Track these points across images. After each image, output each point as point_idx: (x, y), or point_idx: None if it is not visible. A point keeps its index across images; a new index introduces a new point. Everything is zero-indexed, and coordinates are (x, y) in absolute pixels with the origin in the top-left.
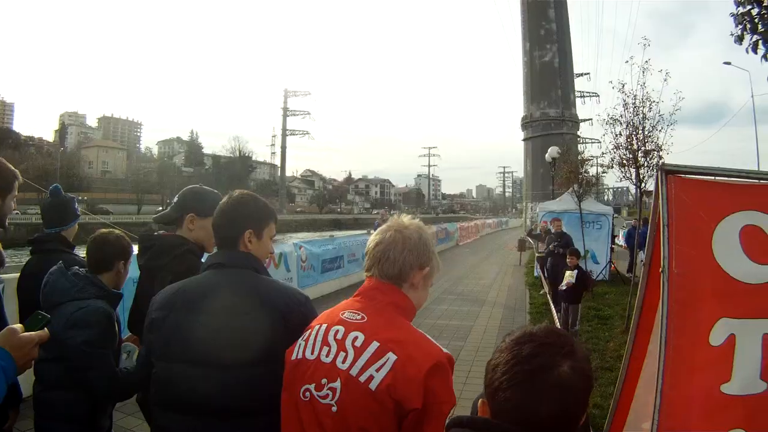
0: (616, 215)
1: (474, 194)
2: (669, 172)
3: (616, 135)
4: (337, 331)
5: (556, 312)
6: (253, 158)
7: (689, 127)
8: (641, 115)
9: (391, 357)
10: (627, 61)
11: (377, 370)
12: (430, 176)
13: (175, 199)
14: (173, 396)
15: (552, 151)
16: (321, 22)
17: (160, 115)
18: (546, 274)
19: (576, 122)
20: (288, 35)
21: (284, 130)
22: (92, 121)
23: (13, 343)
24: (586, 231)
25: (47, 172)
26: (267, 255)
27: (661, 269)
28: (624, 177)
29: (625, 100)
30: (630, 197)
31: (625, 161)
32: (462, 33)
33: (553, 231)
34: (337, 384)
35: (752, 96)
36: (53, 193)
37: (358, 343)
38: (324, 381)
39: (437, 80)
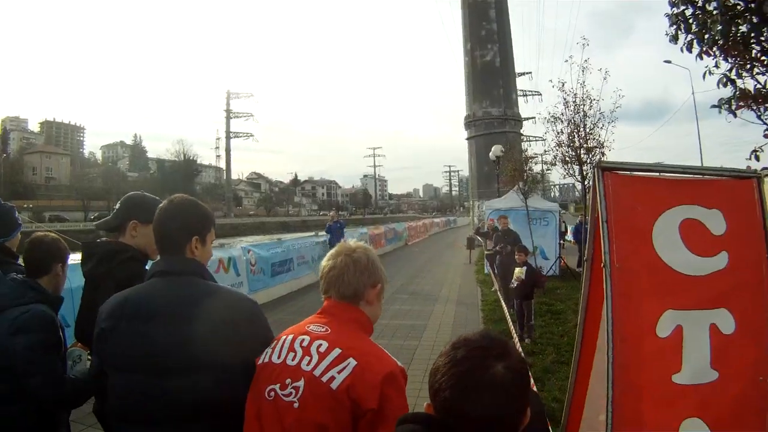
0: (563, 211)
1: (421, 193)
2: (606, 169)
3: (558, 133)
4: (303, 339)
5: (508, 308)
6: (198, 161)
7: (632, 125)
8: (582, 113)
9: (352, 362)
10: (566, 61)
11: (338, 372)
12: (377, 176)
13: (117, 206)
14: (125, 405)
15: (495, 150)
16: (262, 22)
17: (104, 118)
18: (496, 271)
19: (519, 120)
20: (229, 35)
21: (228, 132)
22: (34, 126)
23: None
24: (534, 228)
25: None
26: (208, 260)
27: (602, 264)
28: (567, 174)
29: (565, 99)
30: (576, 193)
31: (567, 158)
32: (404, 32)
33: (500, 229)
34: (301, 383)
35: (693, 93)
36: None
37: (322, 349)
38: (288, 381)
39: (380, 79)
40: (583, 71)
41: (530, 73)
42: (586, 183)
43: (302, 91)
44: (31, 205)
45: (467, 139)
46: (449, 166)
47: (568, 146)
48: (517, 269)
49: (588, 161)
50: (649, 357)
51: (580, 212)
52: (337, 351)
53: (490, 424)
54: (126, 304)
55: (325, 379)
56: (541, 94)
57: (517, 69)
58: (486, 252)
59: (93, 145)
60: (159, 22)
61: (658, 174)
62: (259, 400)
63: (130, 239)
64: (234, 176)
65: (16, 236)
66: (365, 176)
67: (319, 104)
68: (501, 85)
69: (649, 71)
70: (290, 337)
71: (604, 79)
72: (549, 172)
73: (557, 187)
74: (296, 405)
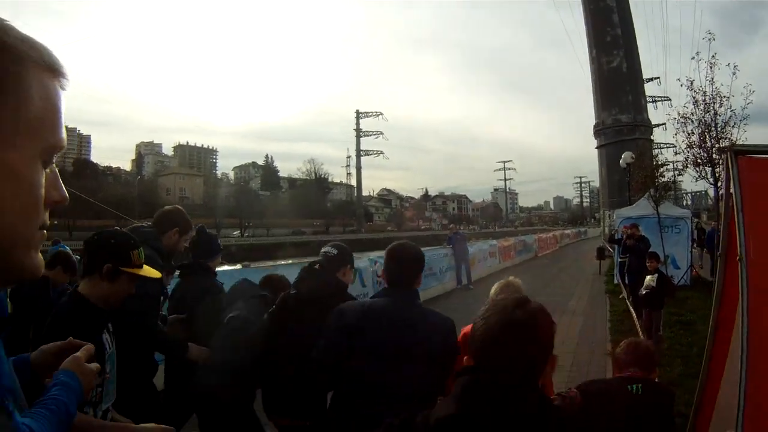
0: (696, 220)
1: (552, 206)
2: (739, 153)
3: (689, 134)
4: None
5: (637, 317)
6: (329, 180)
7: (765, 126)
8: (712, 112)
9: None
10: (693, 58)
11: None
12: (507, 190)
13: (336, 252)
14: (367, 387)
15: (626, 157)
16: (388, 42)
17: (236, 141)
18: (626, 281)
19: (649, 127)
20: (358, 56)
21: (358, 150)
22: (168, 150)
23: (83, 370)
24: (666, 236)
25: (125, 200)
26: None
27: (738, 258)
28: (700, 176)
29: (694, 98)
30: (709, 201)
31: (699, 160)
32: (530, 43)
33: (629, 237)
34: None
35: None
36: (199, 231)
37: None
38: None
39: (509, 92)
40: (711, 68)
41: (658, 78)
42: (719, 186)
43: (431, 108)
44: None
45: (597, 147)
46: (579, 177)
47: (700, 147)
48: (648, 277)
49: (721, 162)
50: None
51: (713, 220)
52: None
53: (511, 362)
54: (370, 311)
55: None
56: (670, 99)
57: (645, 74)
58: (620, 259)
59: (225, 167)
60: (287, 47)
61: None
62: None
63: (342, 276)
64: (365, 193)
65: (216, 259)
66: (495, 190)
67: (448, 120)
68: (629, 91)
69: None
70: None
71: (734, 74)
72: (681, 179)
73: (690, 195)
74: None
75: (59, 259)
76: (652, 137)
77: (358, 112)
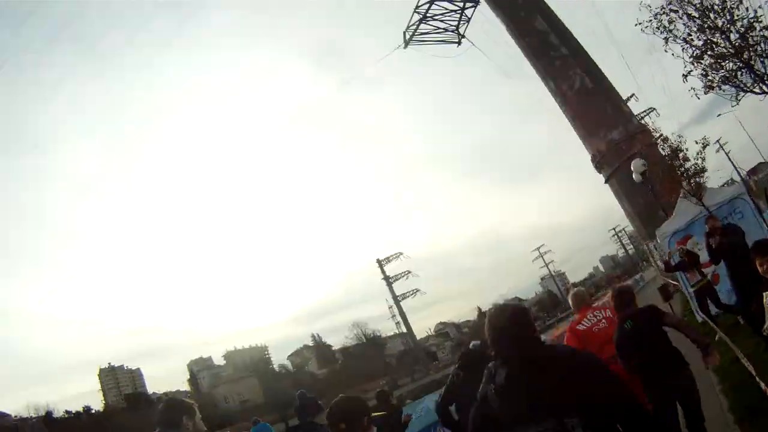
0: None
1: (602, 269)
2: None
3: (706, 45)
4: (596, 312)
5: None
6: (381, 336)
7: None
8: (727, 17)
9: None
10: None
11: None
12: (552, 273)
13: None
14: None
15: (637, 166)
16: (383, 184)
17: (285, 329)
18: (713, 312)
19: (645, 131)
20: (364, 209)
21: (394, 297)
22: (219, 360)
23: None
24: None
25: None
26: None
27: None
28: (740, 89)
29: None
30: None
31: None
32: (505, 124)
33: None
34: (605, 320)
35: None
36: (300, 396)
37: (603, 311)
38: (599, 322)
39: (510, 182)
40: None
41: (633, 95)
42: None
43: (451, 227)
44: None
45: (606, 182)
46: (613, 228)
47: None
48: (766, 294)
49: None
50: None
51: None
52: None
53: (510, 344)
54: None
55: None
56: (655, 109)
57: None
58: (691, 288)
59: (280, 359)
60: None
61: None
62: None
63: None
64: (422, 334)
65: (322, 415)
66: (542, 279)
67: (470, 233)
68: (605, 104)
69: None
70: (590, 314)
71: None
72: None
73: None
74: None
75: None
76: (649, 127)
77: (379, 261)
